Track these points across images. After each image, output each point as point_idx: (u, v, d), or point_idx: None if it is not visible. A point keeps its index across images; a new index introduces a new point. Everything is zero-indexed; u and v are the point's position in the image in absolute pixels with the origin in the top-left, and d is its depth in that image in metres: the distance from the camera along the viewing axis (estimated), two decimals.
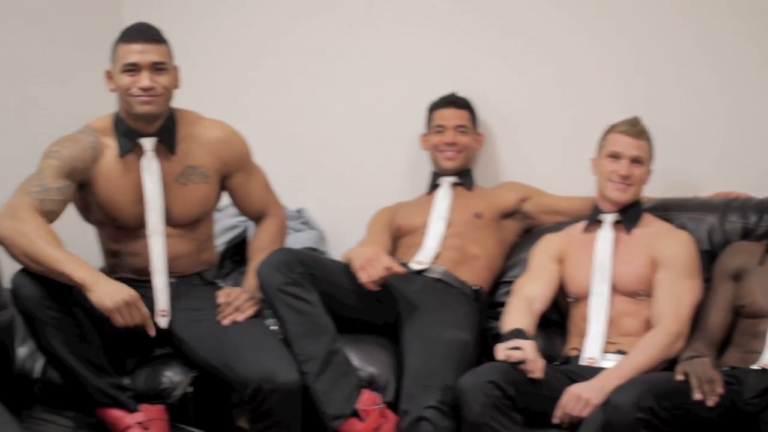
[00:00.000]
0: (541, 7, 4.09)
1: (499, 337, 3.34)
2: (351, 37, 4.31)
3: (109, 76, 3.36)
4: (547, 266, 3.58)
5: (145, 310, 3.10)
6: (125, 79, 3.29)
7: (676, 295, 3.38)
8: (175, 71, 3.37)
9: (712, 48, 3.91)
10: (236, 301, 3.34)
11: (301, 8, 4.36)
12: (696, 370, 3.04)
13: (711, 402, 2.96)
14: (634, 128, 3.52)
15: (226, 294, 3.37)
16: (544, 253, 3.62)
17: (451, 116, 3.97)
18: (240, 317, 3.31)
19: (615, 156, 3.51)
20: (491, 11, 4.15)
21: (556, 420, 3.14)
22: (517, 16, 4.13)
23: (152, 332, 3.15)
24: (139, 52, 3.28)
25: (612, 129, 3.55)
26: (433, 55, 4.21)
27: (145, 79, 3.27)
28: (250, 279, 3.45)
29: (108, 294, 3.04)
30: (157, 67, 3.29)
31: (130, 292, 3.07)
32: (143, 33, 3.31)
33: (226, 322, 3.29)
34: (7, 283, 3.21)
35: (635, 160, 3.49)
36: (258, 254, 3.51)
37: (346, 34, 4.31)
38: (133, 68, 3.28)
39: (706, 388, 2.98)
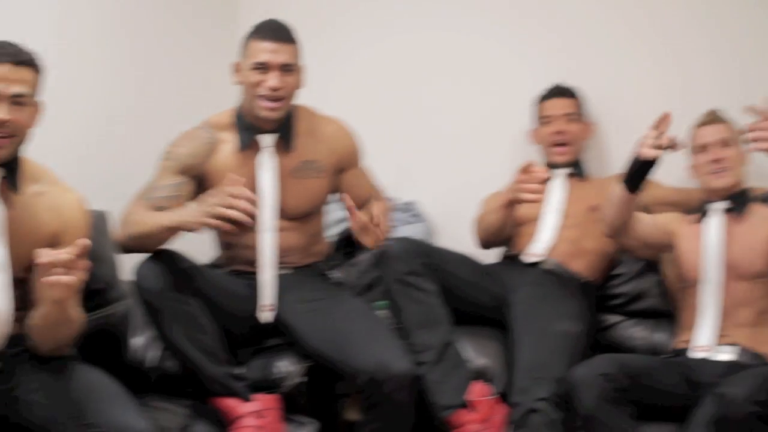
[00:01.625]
0: None
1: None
2: (457, 32, 4.32)
3: (237, 68, 3.39)
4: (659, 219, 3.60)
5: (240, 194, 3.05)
6: (254, 77, 3.32)
7: None
8: (300, 71, 3.40)
9: None
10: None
11: (409, 8, 4.40)
12: None
13: None
14: (710, 116, 3.54)
15: None
16: (660, 217, 3.62)
17: (558, 106, 3.98)
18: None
19: (703, 148, 3.50)
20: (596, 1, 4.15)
21: None
22: (623, 3, 4.12)
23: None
24: (271, 51, 3.31)
25: (694, 127, 3.56)
26: (537, 46, 4.22)
27: (274, 79, 3.30)
28: None
29: (193, 216, 3.09)
30: (286, 68, 3.33)
31: (211, 199, 3.08)
32: (277, 32, 3.34)
33: None
34: (128, 275, 3.30)
35: (723, 143, 3.48)
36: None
37: (453, 29, 4.33)
38: (263, 67, 3.31)
39: None
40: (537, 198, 3.48)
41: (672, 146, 3.23)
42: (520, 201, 3.53)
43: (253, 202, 3.03)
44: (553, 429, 3.19)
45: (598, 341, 3.66)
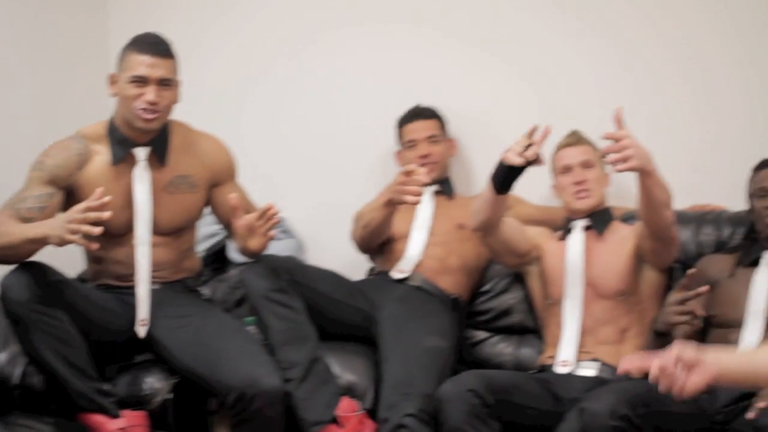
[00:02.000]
0: (507, 13, 4.18)
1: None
2: (329, 51, 4.35)
3: (113, 80, 3.37)
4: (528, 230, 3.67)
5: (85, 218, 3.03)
6: (131, 90, 3.30)
7: None
8: (177, 86, 3.38)
9: (687, 61, 3.99)
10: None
11: (280, 25, 4.41)
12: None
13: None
14: (573, 137, 3.61)
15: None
16: (529, 229, 3.69)
17: (420, 128, 3.99)
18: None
19: (566, 169, 3.58)
20: (458, 21, 4.22)
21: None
22: (484, 24, 4.19)
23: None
24: (149, 66, 3.29)
25: (557, 148, 3.63)
26: (402, 66, 4.26)
27: (151, 94, 3.28)
28: None
29: (55, 229, 3.05)
30: (164, 83, 3.31)
31: (67, 215, 3.06)
32: (155, 46, 3.32)
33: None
34: None
35: (585, 165, 3.55)
36: None
37: (324, 48, 4.35)
38: (140, 80, 3.29)
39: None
40: (416, 200, 3.50)
41: (536, 161, 3.27)
42: (399, 202, 3.54)
43: (100, 216, 3.01)
44: None
45: (465, 357, 3.71)
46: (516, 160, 3.26)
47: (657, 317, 3.38)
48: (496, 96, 4.18)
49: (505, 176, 3.32)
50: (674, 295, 3.25)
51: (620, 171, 3.13)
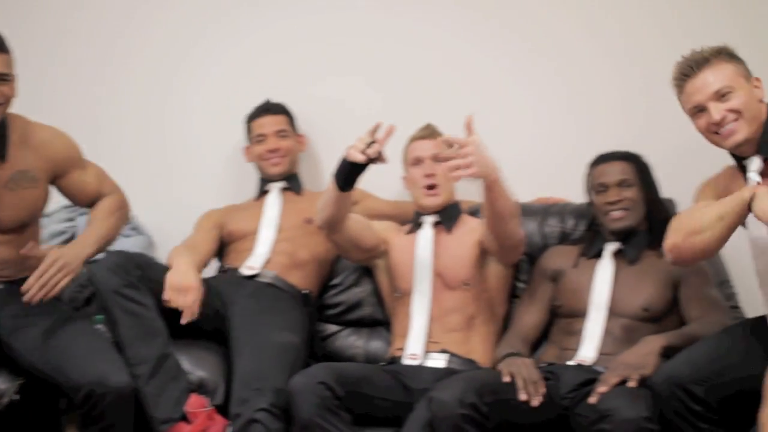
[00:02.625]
0: (356, 8, 4.22)
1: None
2: (177, 44, 4.32)
3: None
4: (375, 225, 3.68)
5: None
6: None
7: None
8: (14, 80, 3.29)
9: (529, 58, 4.10)
10: (47, 275, 3.25)
11: (133, 16, 4.37)
12: (521, 371, 3.17)
13: (536, 402, 3.10)
14: (427, 130, 3.65)
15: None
16: (377, 223, 3.70)
17: (269, 123, 4.01)
18: (51, 293, 3.24)
19: (417, 161, 3.62)
20: (306, 18, 4.24)
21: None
22: (331, 20, 4.22)
23: None
24: None
25: (410, 140, 3.67)
26: (252, 63, 4.26)
27: None
28: (82, 238, 3.42)
29: None
30: (1, 78, 3.23)
31: None
32: None
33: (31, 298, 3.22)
34: None
35: (436, 159, 3.55)
36: (95, 221, 3.47)
37: (171, 42, 4.32)
38: None
39: (531, 389, 3.12)
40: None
41: (379, 158, 3.30)
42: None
43: None
44: None
45: (316, 351, 3.72)
46: (358, 157, 3.28)
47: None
48: (344, 92, 4.20)
49: (348, 173, 3.34)
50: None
51: (458, 178, 3.17)
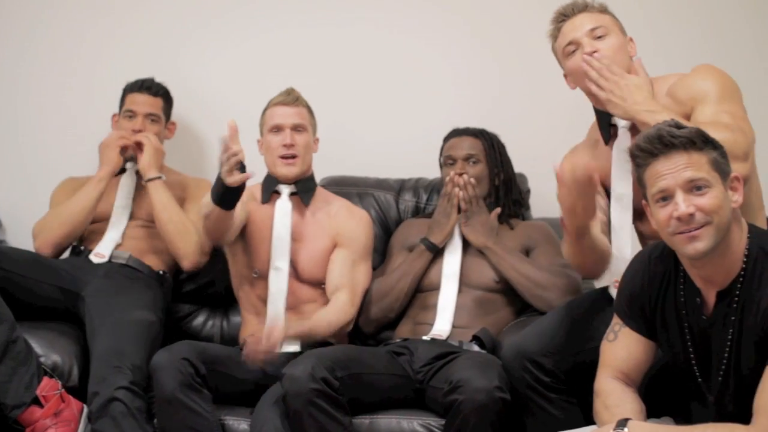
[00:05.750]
0: None
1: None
2: (48, 26, 4.22)
3: None
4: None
5: None
6: None
7: (354, 279, 3.52)
8: None
9: (394, 37, 4.14)
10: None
11: None
12: None
13: None
14: (290, 97, 3.57)
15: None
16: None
17: (143, 102, 3.86)
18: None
19: (277, 128, 3.53)
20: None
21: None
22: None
23: None
24: None
25: (269, 104, 3.59)
26: (122, 43, 4.19)
27: None
28: None
29: None
30: None
31: None
32: None
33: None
34: None
35: (297, 128, 3.53)
36: None
37: (42, 26, 4.22)
38: None
39: None
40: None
41: (239, 162, 3.15)
42: None
43: None
44: (133, 417, 3.19)
45: (174, 332, 3.69)
46: (236, 179, 3.15)
47: None
48: (220, 79, 4.17)
49: (229, 194, 3.22)
50: None
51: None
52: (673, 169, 2.41)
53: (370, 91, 4.12)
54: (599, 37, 2.99)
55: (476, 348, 3.31)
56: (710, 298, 2.50)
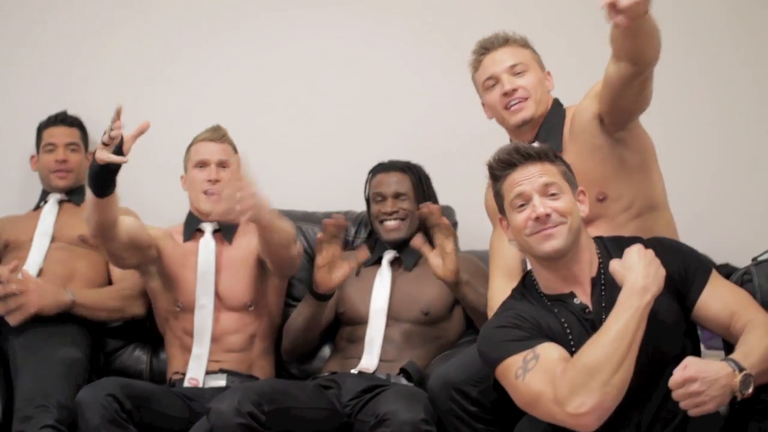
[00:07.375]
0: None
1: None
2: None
3: None
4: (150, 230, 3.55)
5: None
6: None
7: None
8: None
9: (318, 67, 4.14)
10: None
11: None
12: None
13: None
14: (216, 133, 3.60)
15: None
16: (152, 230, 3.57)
17: (61, 134, 3.93)
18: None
19: (202, 164, 3.56)
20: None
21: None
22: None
23: None
24: None
25: (194, 140, 3.62)
26: (43, 72, 4.20)
27: None
28: None
29: None
30: None
31: None
32: None
33: None
34: None
35: (221, 165, 3.55)
36: None
37: None
38: None
39: None
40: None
41: (121, 153, 3.08)
42: None
43: None
44: None
45: (101, 368, 3.65)
46: (105, 157, 3.08)
47: None
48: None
49: (100, 175, 3.15)
50: None
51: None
52: (530, 176, 2.63)
53: (296, 123, 4.14)
54: (518, 74, 3.06)
55: (404, 381, 3.31)
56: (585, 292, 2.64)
